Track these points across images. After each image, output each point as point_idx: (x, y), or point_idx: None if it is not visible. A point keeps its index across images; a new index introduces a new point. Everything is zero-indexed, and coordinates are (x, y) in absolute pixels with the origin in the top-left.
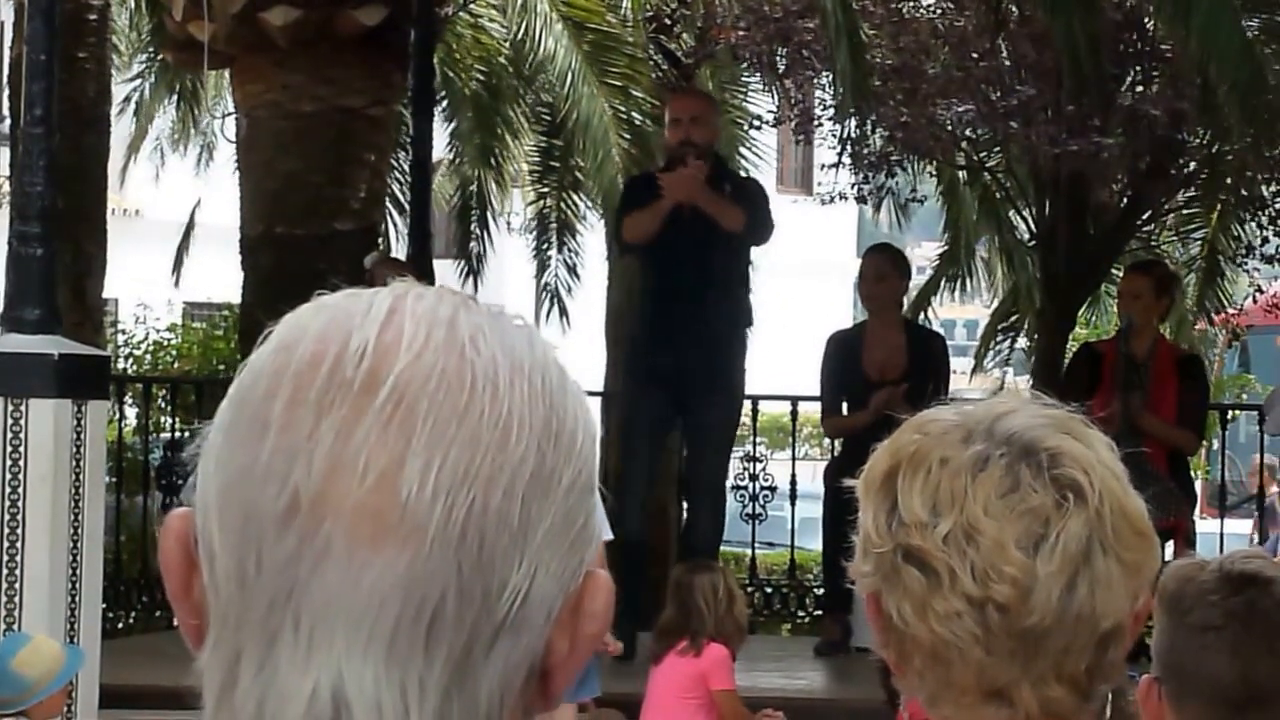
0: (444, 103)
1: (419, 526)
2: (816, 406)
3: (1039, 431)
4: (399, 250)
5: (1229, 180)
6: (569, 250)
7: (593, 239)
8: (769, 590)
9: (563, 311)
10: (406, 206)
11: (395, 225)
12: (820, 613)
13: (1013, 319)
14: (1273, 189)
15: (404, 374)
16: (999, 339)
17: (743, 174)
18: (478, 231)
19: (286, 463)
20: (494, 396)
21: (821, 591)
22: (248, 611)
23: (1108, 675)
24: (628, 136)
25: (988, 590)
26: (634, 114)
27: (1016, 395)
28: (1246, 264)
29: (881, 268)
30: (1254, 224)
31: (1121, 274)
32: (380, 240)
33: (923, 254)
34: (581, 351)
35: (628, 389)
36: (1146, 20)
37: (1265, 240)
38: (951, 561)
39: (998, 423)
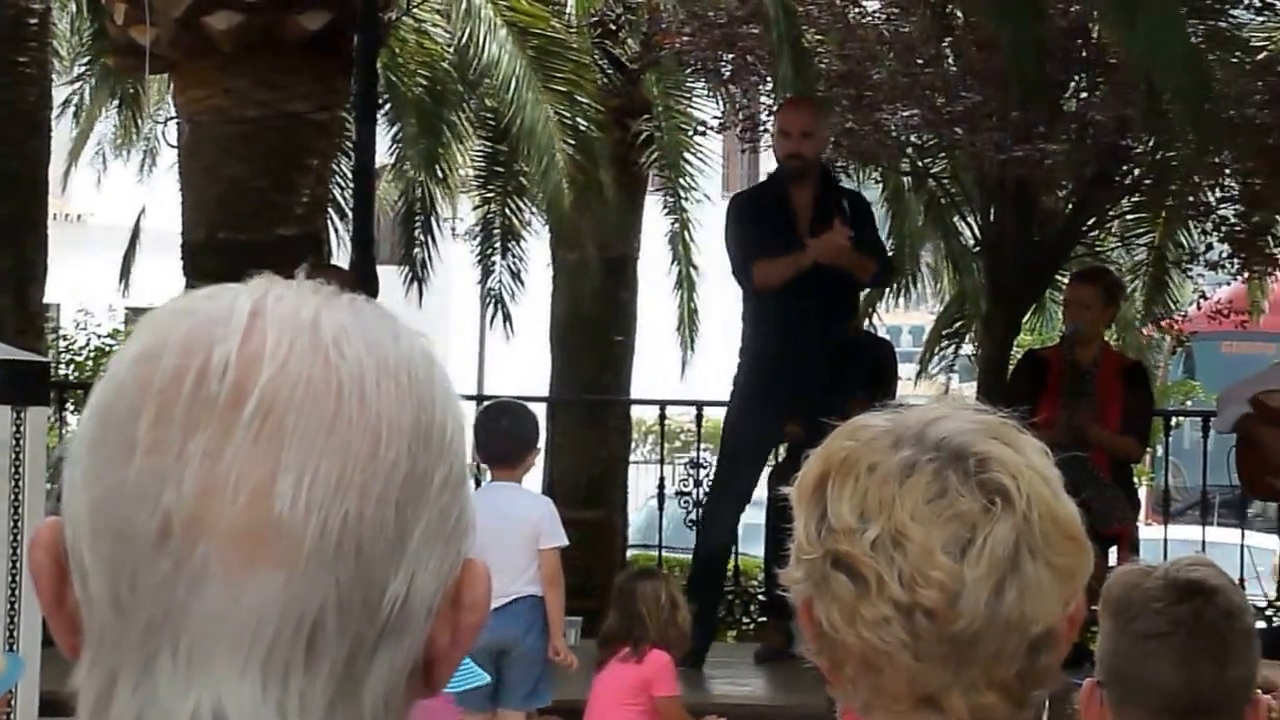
0: (388, 108)
1: (295, 543)
2: None
3: (969, 437)
4: (341, 256)
5: (1174, 187)
6: (513, 256)
7: (537, 245)
8: None
9: (507, 318)
10: (349, 212)
11: (338, 231)
12: (764, 619)
13: (958, 325)
14: (1218, 195)
15: (269, 386)
16: (944, 345)
17: (846, 186)
18: (422, 238)
19: (156, 485)
20: (362, 402)
21: (765, 598)
22: (124, 633)
23: (1041, 681)
24: (572, 142)
25: (915, 596)
26: (579, 120)
27: (950, 401)
28: (1191, 270)
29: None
30: (1199, 230)
31: (1067, 282)
32: (324, 246)
33: None
34: (526, 357)
35: (740, 408)
36: (1092, 27)
37: (1210, 247)
38: (879, 567)
39: (928, 428)
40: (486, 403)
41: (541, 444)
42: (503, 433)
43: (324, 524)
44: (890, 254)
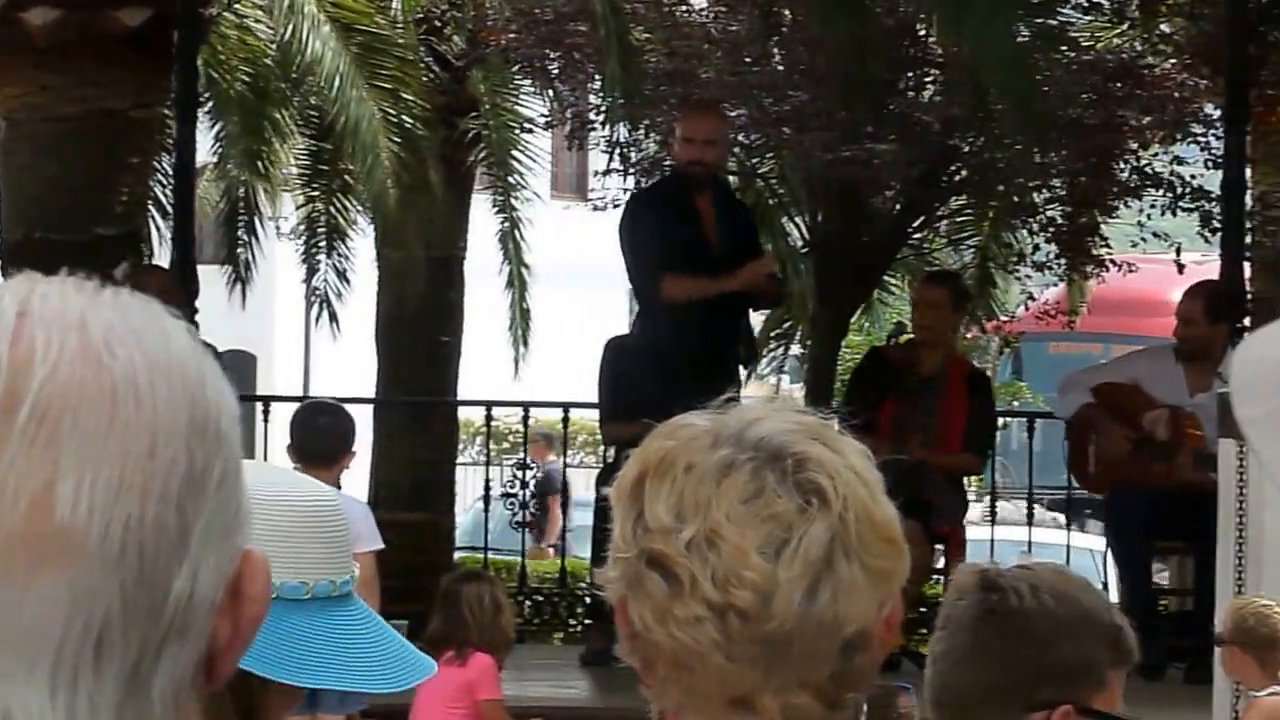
0: (209, 105)
1: (78, 547)
2: (590, 413)
3: (788, 437)
4: (162, 256)
5: (1001, 187)
6: (339, 255)
7: (363, 244)
8: (540, 599)
9: (333, 317)
10: (170, 210)
11: (159, 230)
12: (590, 621)
13: (786, 326)
14: (1045, 196)
15: (43, 391)
16: (773, 346)
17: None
18: (245, 237)
19: None
20: (137, 402)
21: (590, 600)
22: None
23: (855, 683)
24: (398, 140)
25: (728, 596)
26: (404, 117)
27: (773, 402)
28: (1018, 271)
29: None
30: (1026, 231)
31: (919, 282)
32: (144, 245)
33: None
34: (352, 358)
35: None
36: (920, 26)
37: (1037, 248)
38: (693, 567)
39: (748, 429)
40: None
41: (361, 445)
42: (319, 432)
43: (106, 527)
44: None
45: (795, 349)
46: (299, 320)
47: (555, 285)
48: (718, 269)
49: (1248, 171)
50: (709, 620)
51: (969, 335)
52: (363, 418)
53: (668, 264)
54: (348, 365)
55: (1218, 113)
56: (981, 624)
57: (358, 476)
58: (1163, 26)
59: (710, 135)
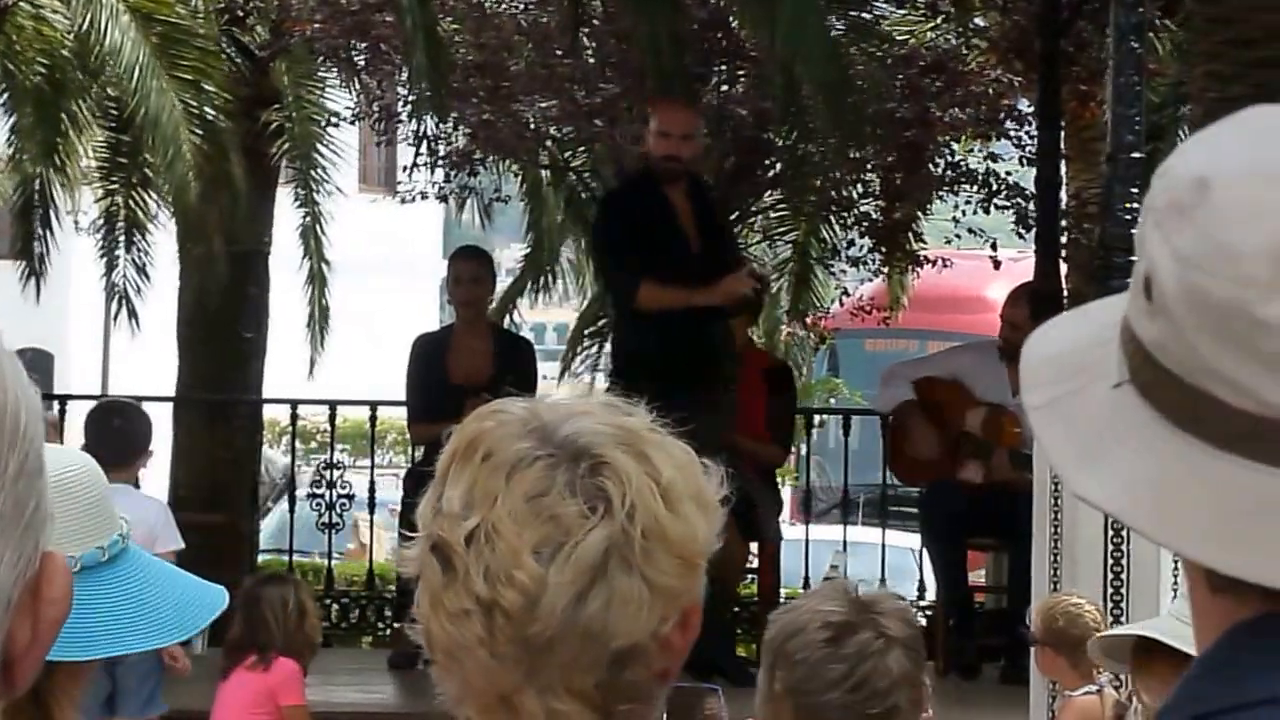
0: (4, 98)
1: None
2: (399, 412)
3: (596, 439)
4: None
5: (816, 182)
6: (138, 250)
7: (164, 238)
8: (346, 601)
9: (132, 313)
10: None
11: None
12: (398, 624)
13: (601, 323)
14: (860, 190)
15: None
16: (587, 343)
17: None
18: (40, 231)
19: None
20: None
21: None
22: None
23: (629, 695)
24: (200, 132)
25: (495, 594)
26: (206, 109)
27: (605, 400)
28: (834, 267)
29: (476, 272)
30: (841, 226)
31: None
32: None
33: (511, 255)
34: (154, 355)
35: None
36: (732, 19)
37: (852, 243)
38: (468, 560)
39: (564, 424)
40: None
41: (161, 444)
42: (113, 433)
43: None
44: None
45: (610, 346)
46: (98, 317)
47: (363, 280)
48: (698, 267)
49: (1062, 168)
50: (476, 615)
51: (787, 331)
52: (162, 416)
53: (645, 269)
54: (148, 363)
55: (1032, 108)
56: None
57: (157, 476)
58: (977, 20)
59: (687, 129)
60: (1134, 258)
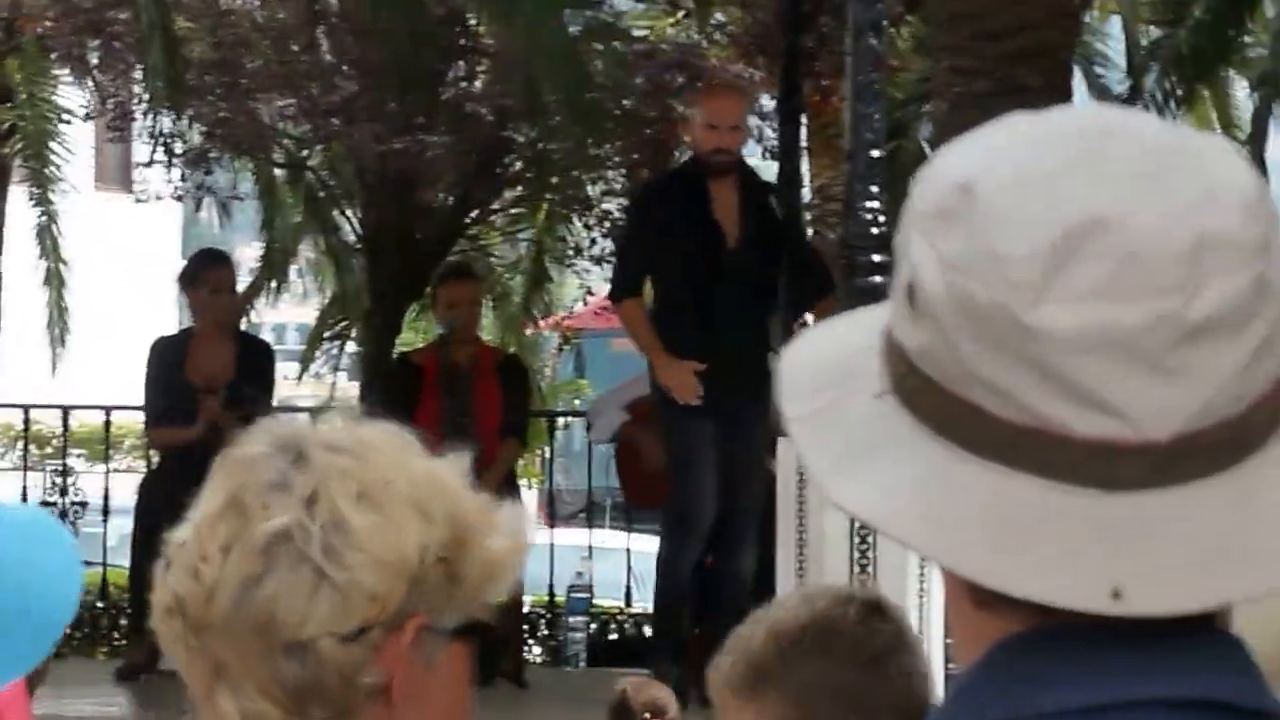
0: None
1: None
2: (135, 416)
3: (310, 439)
4: None
5: (556, 180)
6: None
7: None
8: (80, 612)
9: None
10: None
11: None
12: (132, 634)
13: (341, 324)
14: (600, 189)
15: None
16: (327, 344)
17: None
18: None
19: None
20: None
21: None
22: None
23: (325, 701)
24: None
25: (183, 587)
26: None
27: (361, 414)
28: (576, 265)
29: (223, 278)
30: (582, 225)
31: (439, 281)
32: None
33: (251, 254)
34: None
35: (673, 420)
36: (470, 16)
37: (594, 242)
38: (172, 556)
39: (299, 429)
40: None
41: None
42: None
43: None
44: (815, 255)
45: (352, 346)
46: None
47: (98, 280)
48: (737, 263)
49: (804, 163)
50: (175, 611)
51: (527, 331)
52: None
53: (636, 284)
54: None
55: (773, 104)
56: None
57: None
58: (718, 16)
59: (735, 119)
60: (876, 256)
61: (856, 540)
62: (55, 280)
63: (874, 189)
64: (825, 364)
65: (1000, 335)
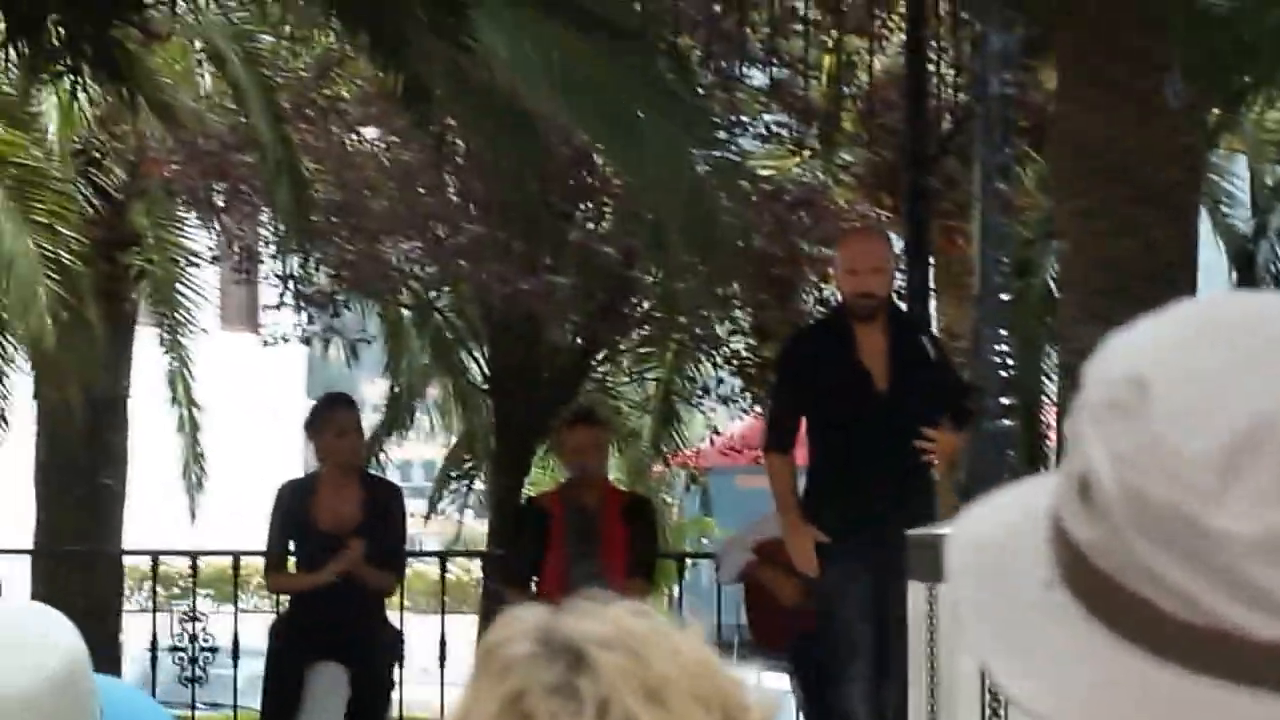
0: None
1: None
2: (261, 559)
3: (587, 638)
4: None
5: (682, 319)
6: None
7: (21, 383)
8: None
9: None
10: None
11: None
12: None
13: (468, 464)
14: (727, 328)
15: None
16: (453, 484)
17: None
18: None
19: None
20: None
21: None
22: None
23: None
24: (56, 275)
25: None
26: (61, 252)
27: (626, 604)
28: (703, 405)
29: (348, 421)
30: (709, 364)
31: (564, 426)
32: None
33: (376, 390)
34: (9, 503)
35: (826, 568)
36: (597, 157)
37: (721, 381)
38: None
39: (566, 626)
40: None
41: (16, 596)
42: None
43: None
44: (970, 390)
45: (480, 485)
46: None
47: (223, 419)
48: (885, 407)
49: (932, 303)
50: None
51: (654, 469)
52: (20, 569)
53: (783, 435)
54: (6, 508)
55: (900, 243)
56: None
57: None
58: (843, 156)
59: (876, 262)
60: (1004, 399)
61: (988, 683)
62: (189, 426)
63: (1002, 331)
64: (988, 542)
65: (1176, 534)
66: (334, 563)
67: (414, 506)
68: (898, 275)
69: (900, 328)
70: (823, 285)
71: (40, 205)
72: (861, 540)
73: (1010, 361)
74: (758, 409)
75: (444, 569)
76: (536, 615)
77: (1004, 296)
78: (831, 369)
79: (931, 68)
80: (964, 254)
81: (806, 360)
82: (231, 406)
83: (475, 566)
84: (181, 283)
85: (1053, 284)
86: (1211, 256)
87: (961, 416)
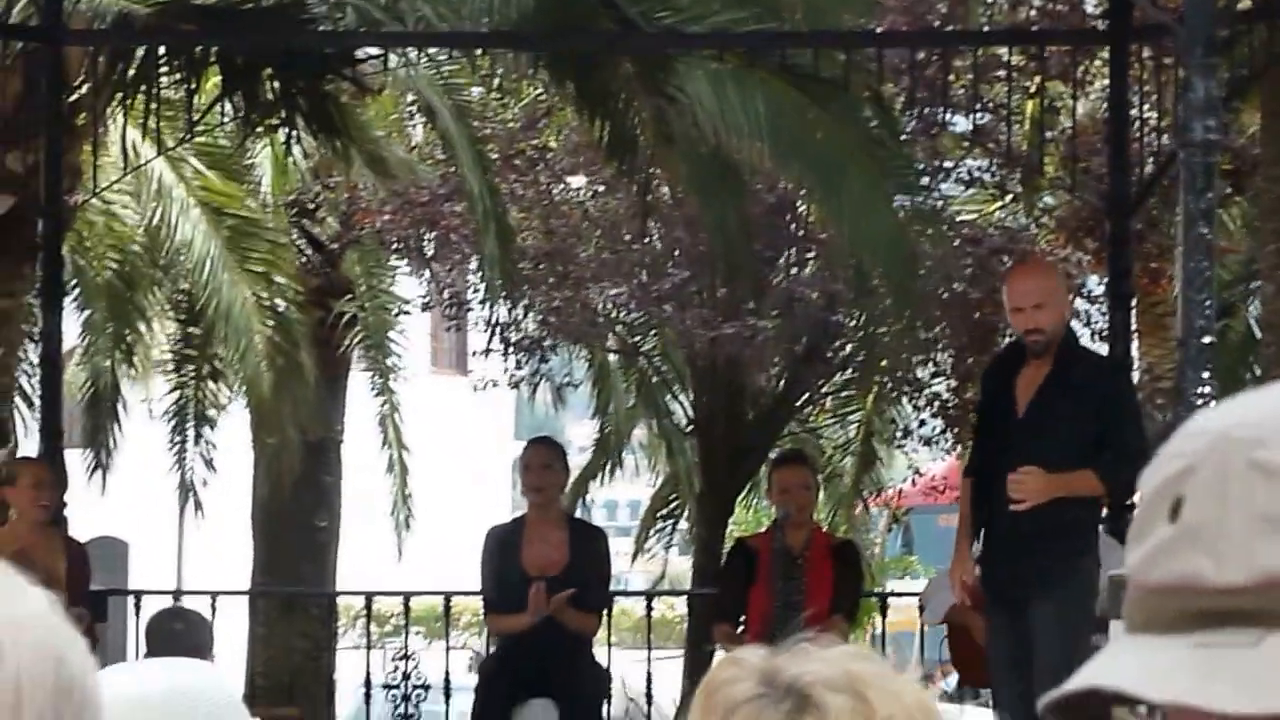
0: (76, 291)
1: None
2: (471, 598)
3: (813, 679)
4: (29, 446)
5: (884, 362)
6: (206, 442)
7: (238, 426)
8: None
9: (198, 505)
10: (36, 401)
11: (24, 420)
12: None
13: (672, 504)
14: (929, 371)
15: None
16: (659, 524)
17: (1093, 352)
18: (106, 423)
19: None
20: (1, 661)
21: None
22: None
23: None
24: (271, 324)
25: None
26: (277, 300)
27: (847, 647)
28: (905, 445)
29: (548, 460)
30: (911, 406)
31: (774, 466)
32: (11, 435)
33: (584, 433)
34: (227, 544)
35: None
36: (799, 203)
37: (923, 422)
38: None
39: (790, 667)
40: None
41: (237, 636)
42: (174, 638)
43: None
44: (1141, 444)
45: (684, 524)
46: (173, 506)
47: (432, 461)
48: (1023, 438)
49: (1134, 346)
50: None
51: (856, 510)
52: (237, 609)
53: (973, 460)
54: (222, 551)
55: (1101, 287)
56: None
57: (233, 671)
58: (1046, 199)
59: (1039, 298)
60: None
61: None
62: (399, 469)
63: (1205, 374)
64: None
65: None
66: (532, 605)
67: (621, 545)
68: (1097, 314)
69: (1067, 360)
70: None
71: (256, 255)
72: (998, 580)
73: (1214, 405)
74: (959, 449)
75: (649, 608)
76: (758, 656)
77: (1207, 340)
78: (993, 395)
79: (1134, 112)
80: (1165, 295)
81: (985, 386)
82: (441, 449)
83: (680, 603)
84: (392, 329)
85: (1254, 325)
86: None
87: (1112, 465)
